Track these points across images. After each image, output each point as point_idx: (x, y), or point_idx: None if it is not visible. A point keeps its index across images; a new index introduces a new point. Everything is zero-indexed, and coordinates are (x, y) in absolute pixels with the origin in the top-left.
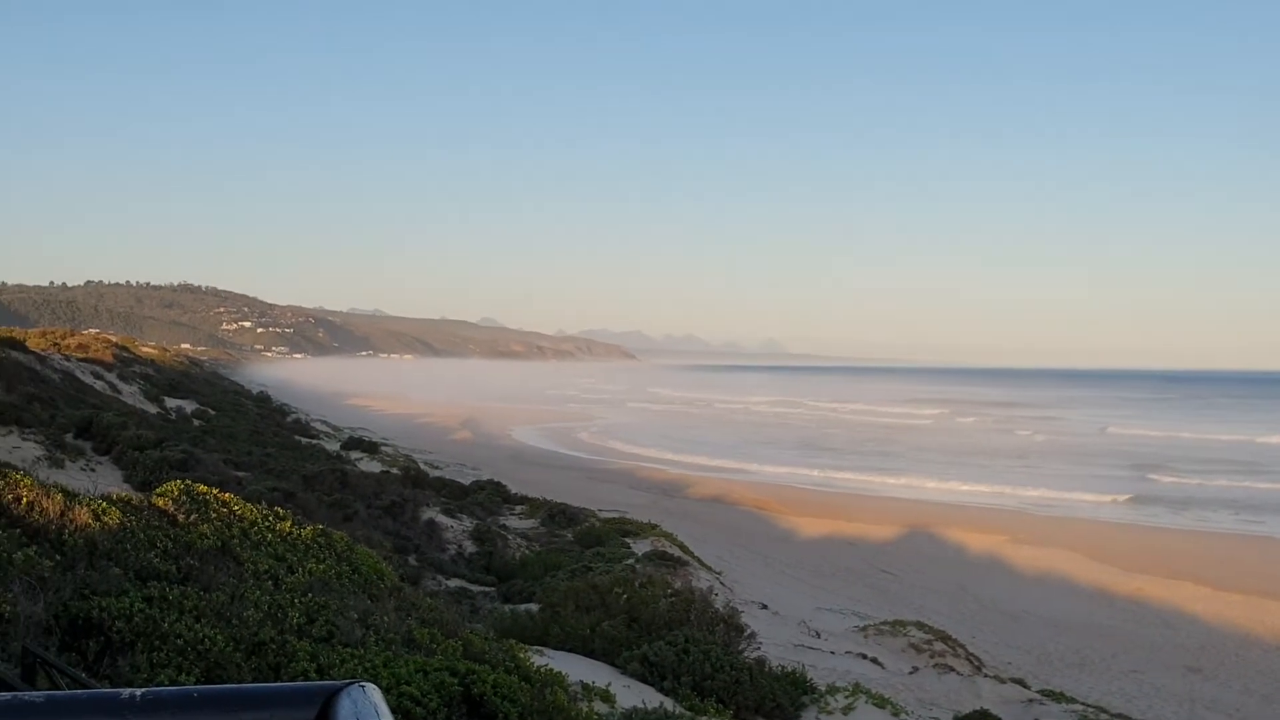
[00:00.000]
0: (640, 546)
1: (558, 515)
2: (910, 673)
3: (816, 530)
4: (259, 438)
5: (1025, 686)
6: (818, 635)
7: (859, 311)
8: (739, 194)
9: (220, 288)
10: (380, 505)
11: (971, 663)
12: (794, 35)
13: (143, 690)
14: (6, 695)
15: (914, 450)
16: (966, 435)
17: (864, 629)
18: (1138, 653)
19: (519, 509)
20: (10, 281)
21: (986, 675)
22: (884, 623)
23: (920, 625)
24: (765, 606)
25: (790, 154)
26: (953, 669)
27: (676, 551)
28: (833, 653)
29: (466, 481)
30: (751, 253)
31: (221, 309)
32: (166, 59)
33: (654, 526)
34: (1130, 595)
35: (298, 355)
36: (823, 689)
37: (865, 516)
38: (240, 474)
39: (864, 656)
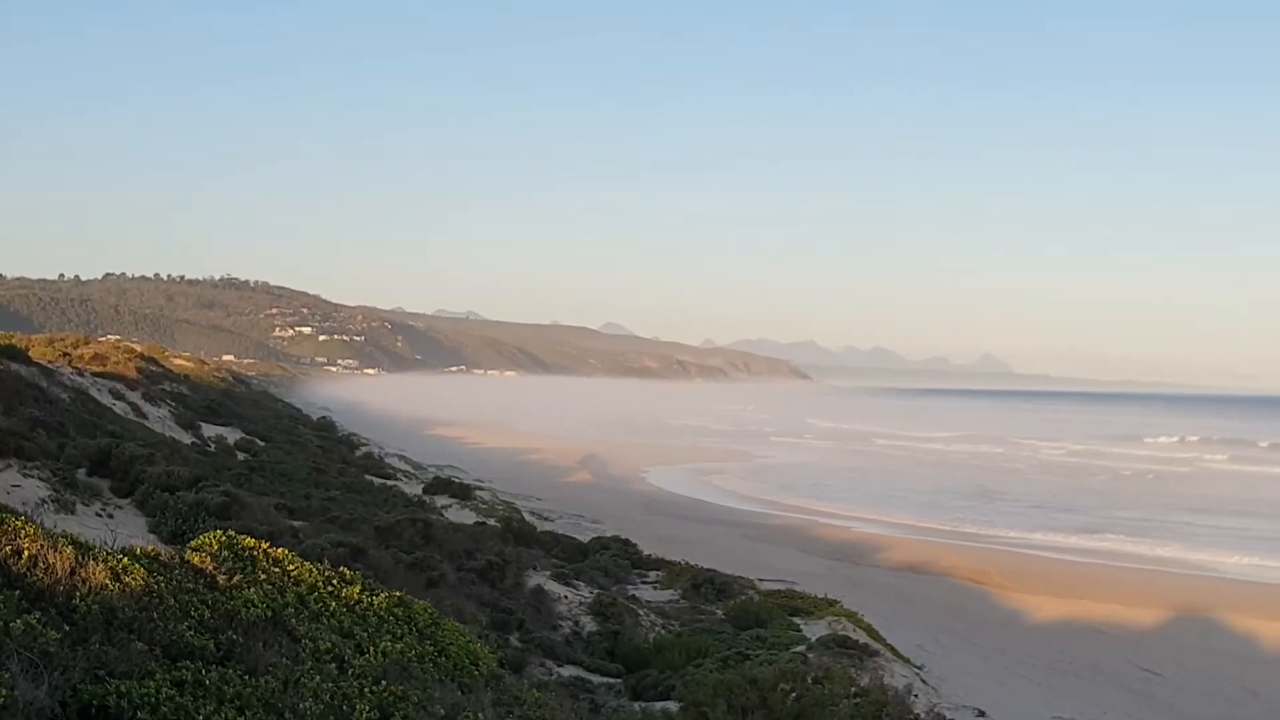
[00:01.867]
0: (814, 629)
1: (704, 585)
2: None
3: (1051, 612)
4: (320, 477)
5: None
6: None
7: (1103, 323)
8: (940, 168)
9: (273, 283)
10: (474, 567)
11: None
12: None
13: None
14: None
15: (1172, 504)
16: (1243, 485)
17: None
18: None
19: (653, 576)
20: (10, 274)
21: None
22: None
23: None
24: (983, 714)
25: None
26: None
27: (862, 637)
28: None
29: (585, 538)
30: (960, 246)
31: (274, 310)
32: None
33: (832, 603)
34: None
35: (370, 370)
36: None
37: (1116, 595)
38: (296, 523)
39: None
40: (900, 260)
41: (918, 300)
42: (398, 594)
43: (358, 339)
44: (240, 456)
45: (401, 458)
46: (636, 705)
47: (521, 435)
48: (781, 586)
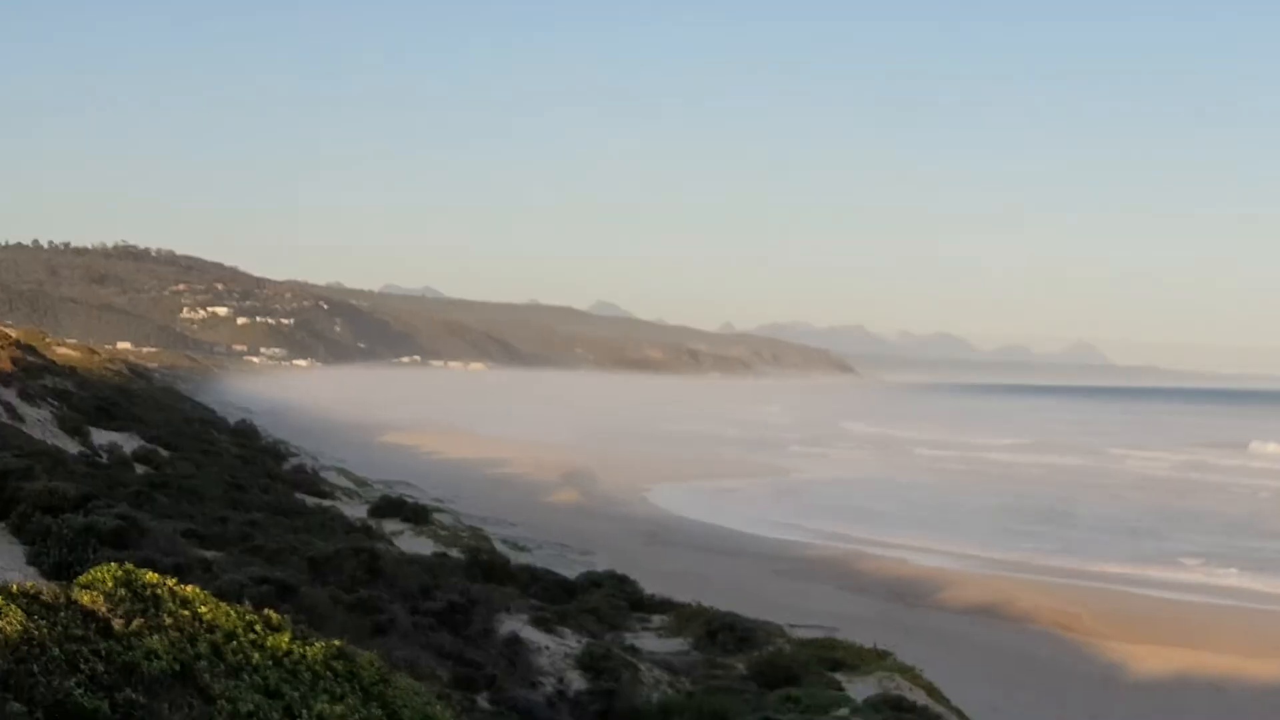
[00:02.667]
0: (861, 688)
1: (722, 632)
2: None
3: (1159, 666)
4: (239, 496)
5: None
6: None
7: (1228, 308)
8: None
9: (180, 252)
10: (432, 609)
11: None
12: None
13: None
14: None
15: None
16: None
17: None
18: None
19: (657, 620)
20: None
21: None
22: None
23: None
24: None
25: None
26: None
27: (921, 698)
28: None
29: (572, 574)
30: (1043, 209)
31: (181, 286)
32: None
33: (883, 655)
34: None
35: (301, 361)
36: None
37: (1236, 643)
38: (209, 554)
39: None
40: (969, 228)
41: (990, 275)
42: (337, 643)
43: (286, 322)
44: (140, 470)
45: (341, 471)
46: None
47: (492, 443)
48: (819, 634)
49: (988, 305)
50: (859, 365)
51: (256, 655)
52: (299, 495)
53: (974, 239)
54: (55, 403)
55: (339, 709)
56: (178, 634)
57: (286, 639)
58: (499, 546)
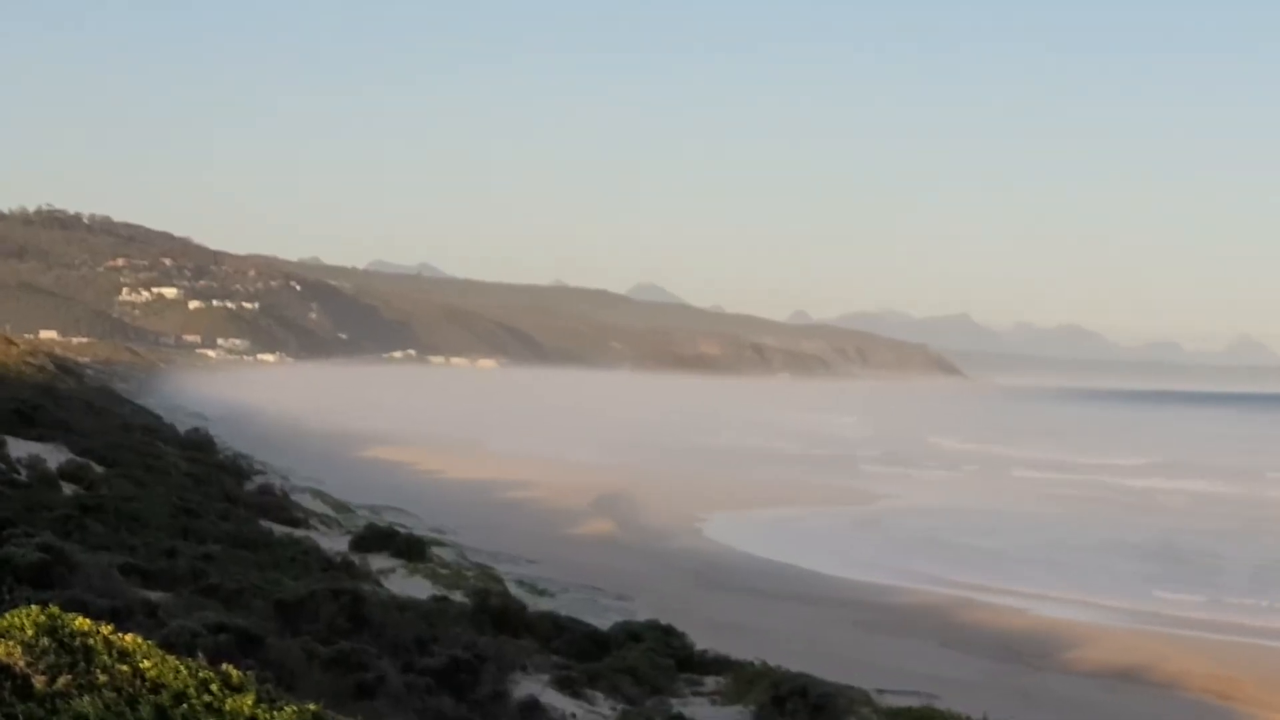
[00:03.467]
0: None
1: (791, 699)
2: None
3: None
4: (191, 523)
5: None
6: None
7: None
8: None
9: (118, 219)
10: (430, 667)
11: None
12: None
13: None
14: None
15: None
16: None
17: None
18: None
19: (711, 683)
20: None
21: None
22: None
23: None
24: None
25: None
26: None
27: None
28: None
29: (605, 624)
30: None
31: (121, 261)
32: None
33: None
34: None
35: (268, 356)
36: None
37: None
38: (154, 595)
39: None
40: (1101, 198)
41: (1131, 257)
42: (312, 707)
43: (249, 307)
44: (68, 490)
45: (317, 493)
46: None
47: (504, 461)
48: (915, 702)
49: (1128, 293)
50: (965, 364)
51: None
52: (264, 523)
53: (1108, 212)
54: None
55: None
56: (114, 695)
57: (250, 702)
58: (513, 589)
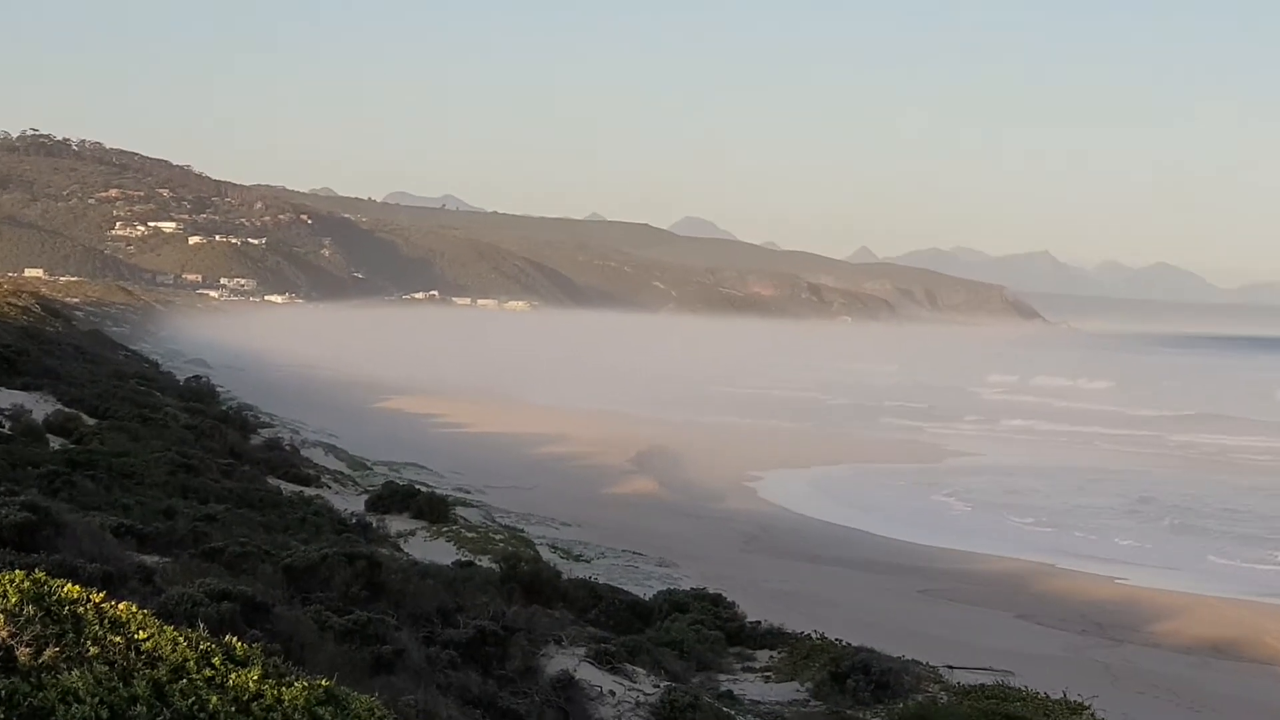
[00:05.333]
0: None
1: (853, 675)
2: None
3: None
4: (191, 480)
5: None
6: None
7: None
8: None
9: (111, 145)
10: (454, 639)
11: None
12: None
13: None
14: None
15: None
16: None
17: None
18: None
19: (764, 658)
20: None
21: None
22: None
23: None
24: None
25: None
26: None
27: None
28: None
29: (646, 593)
30: None
31: (113, 193)
32: None
33: (1078, 709)
34: None
35: (276, 297)
36: None
37: None
38: (150, 559)
39: None
40: (1201, 131)
41: (1234, 189)
42: (324, 683)
43: (256, 243)
44: (55, 443)
45: (330, 448)
46: None
47: (537, 413)
48: (988, 679)
49: (1225, 231)
50: (1046, 308)
51: (215, 699)
52: (272, 480)
53: (1205, 144)
54: None
55: None
56: (106, 669)
57: (256, 676)
58: (546, 554)
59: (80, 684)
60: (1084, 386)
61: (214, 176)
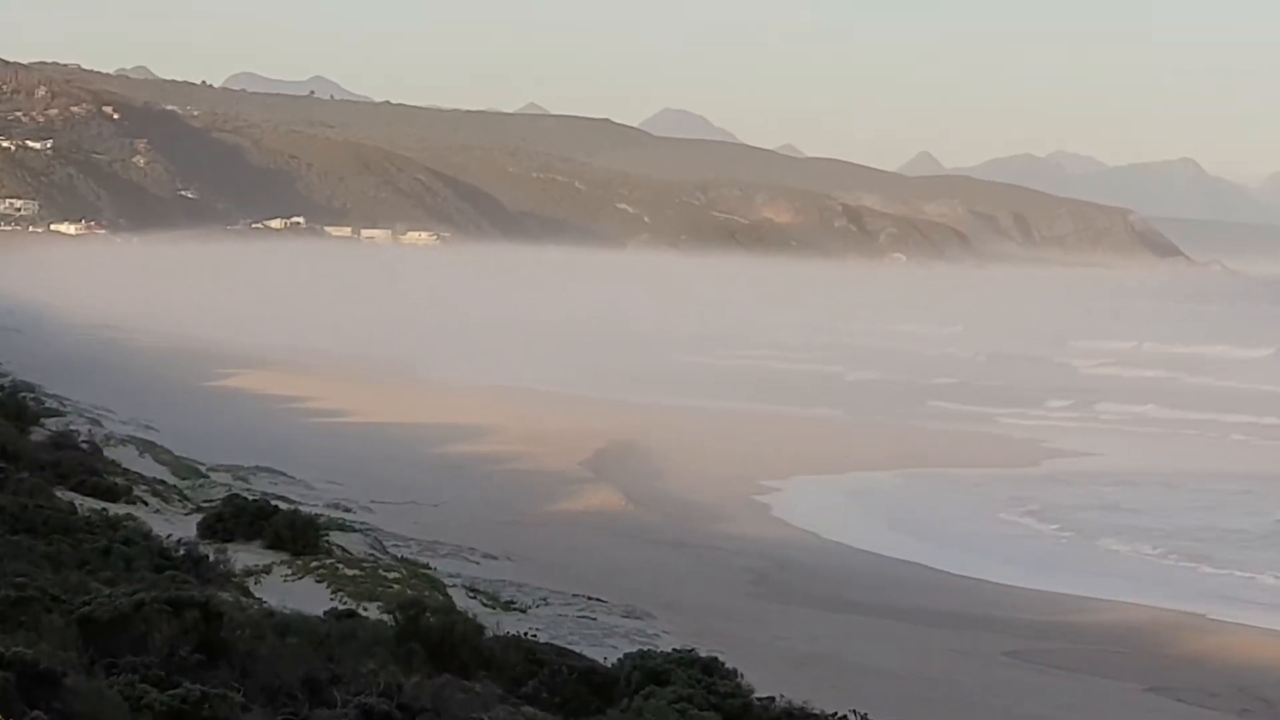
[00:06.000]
0: None
1: None
2: None
3: None
4: None
5: None
6: None
7: None
8: None
9: None
10: None
11: None
12: None
13: None
14: None
15: None
16: None
17: None
18: None
19: None
20: None
21: None
22: None
23: None
24: None
25: None
26: None
27: None
28: None
29: (608, 654)
30: None
31: None
32: None
33: None
34: None
35: (69, 226)
36: None
37: None
38: None
39: None
40: None
41: None
42: None
43: (37, 147)
44: None
45: (146, 446)
46: None
47: (447, 397)
48: None
49: None
50: (1190, 240)
51: None
52: (62, 494)
53: None
54: None
55: None
56: None
57: None
58: (461, 600)
59: None
60: (1232, 355)
61: None
